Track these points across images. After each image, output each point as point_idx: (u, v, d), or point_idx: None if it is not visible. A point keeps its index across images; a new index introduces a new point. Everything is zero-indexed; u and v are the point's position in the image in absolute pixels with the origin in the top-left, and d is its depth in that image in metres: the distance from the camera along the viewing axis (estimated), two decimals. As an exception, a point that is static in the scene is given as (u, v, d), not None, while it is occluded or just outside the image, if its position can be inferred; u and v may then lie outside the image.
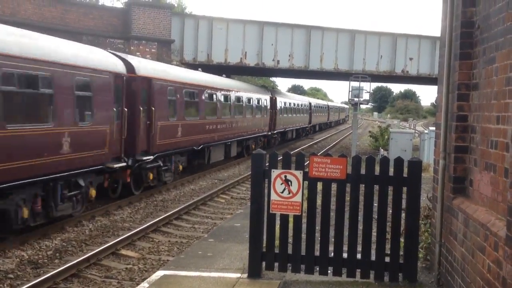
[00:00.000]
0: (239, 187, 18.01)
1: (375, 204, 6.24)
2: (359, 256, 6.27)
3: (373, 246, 6.26)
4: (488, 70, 4.97)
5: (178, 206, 13.79)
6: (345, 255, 6.28)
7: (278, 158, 6.45)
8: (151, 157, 14.62)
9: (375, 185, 6.21)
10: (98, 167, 12.06)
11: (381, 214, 6.20)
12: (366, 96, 25.45)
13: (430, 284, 6.17)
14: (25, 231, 10.17)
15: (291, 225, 6.41)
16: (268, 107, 30.17)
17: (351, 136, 28.54)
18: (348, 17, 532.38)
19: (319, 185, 6.34)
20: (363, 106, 31.71)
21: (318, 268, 6.34)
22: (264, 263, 6.45)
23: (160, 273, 6.88)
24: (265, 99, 29.42)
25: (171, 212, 12.78)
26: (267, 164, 6.38)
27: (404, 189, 6.16)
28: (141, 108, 14.20)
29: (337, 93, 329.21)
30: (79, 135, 11.20)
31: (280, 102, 33.47)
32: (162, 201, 14.89)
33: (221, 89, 21.62)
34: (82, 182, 11.51)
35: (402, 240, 6.34)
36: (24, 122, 9.58)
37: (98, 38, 24.80)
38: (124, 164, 13.16)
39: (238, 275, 6.63)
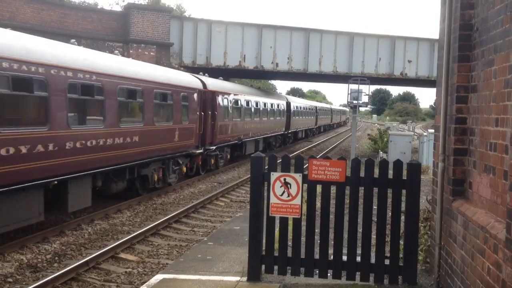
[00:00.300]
0: (238, 190, 17.99)
1: (374, 207, 6.24)
2: (358, 259, 6.26)
3: (373, 249, 6.25)
4: (487, 72, 4.97)
5: (178, 209, 13.77)
6: (344, 258, 6.28)
7: (277, 161, 6.45)
8: (214, 147, 20.55)
9: (374, 188, 6.21)
10: (188, 151, 18.00)
11: (381, 216, 6.20)
12: (365, 98, 25.46)
13: (430, 287, 6.16)
14: (42, 227, 10.15)
15: (290, 228, 6.41)
16: (285, 111, 34.92)
17: (350, 138, 28.53)
18: (346, 20, 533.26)
19: (319, 188, 6.34)
20: (362, 109, 31.67)
21: (317, 271, 6.34)
22: (263, 266, 6.44)
23: (159, 277, 6.87)
24: (282, 104, 34.37)
25: (171, 216, 12.76)
26: (267, 167, 6.38)
27: (404, 191, 6.16)
28: (209, 112, 19.99)
29: (336, 95, 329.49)
30: (182, 130, 17.08)
31: (293, 106, 38.01)
32: (162, 204, 14.88)
33: (254, 97, 27.43)
34: (180, 161, 17.50)
35: (401, 242, 6.33)
36: (162, 122, 15.74)
37: (97, 41, 24.82)
38: (201, 151, 19.02)
39: (238, 278, 6.62)
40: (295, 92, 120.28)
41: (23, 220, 9.70)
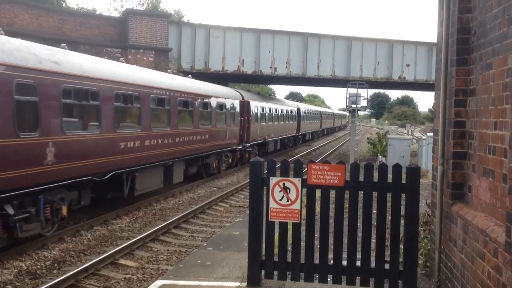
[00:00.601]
0: (237, 195, 17.98)
1: (374, 211, 6.23)
2: (358, 263, 6.25)
3: (373, 253, 6.24)
4: (485, 76, 4.98)
5: (177, 215, 13.76)
6: (344, 262, 6.26)
7: (277, 166, 6.44)
8: (249, 144, 26.50)
9: (373, 192, 6.20)
10: (232, 147, 23.95)
11: (380, 221, 6.19)
12: (363, 102, 25.46)
13: (430, 291, 6.15)
14: (41, 236, 10.13)
15: (290, 232, 6.39)
16: (296, 115, 40.81)
17: (349, 142, 28.52)
18: (344, 24, 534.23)
19: (318, 192, 6.33)
20: (361, 113, 31.67)
21: (317, 276, 6.32)
22: (263, 272, 6.42)
23: (159, 283, 6.85)
24: (294, 110, 40.24)
25: (170, 221, 12.74)
26: (266, 171, 6.37)
27: (403, 195, 6.14)
28: (246, 118, 25.89)
29: (335, 99, 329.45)
30: (230, 131, 23.18)
31: (302, 112, 44.22)
32: (161, 210, 14.86)
33: (274, 104, 33.39)
34: (228, 154, 23.72)
35: (401, 246, 6.32)
36: (219, 125, 21.47)
37: (96, 47, 24.85)
38: (240, 147, 25.18)
39: (237, 283, 6.60)
40: (293, 97, 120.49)
41: (154, 186, 15.58)
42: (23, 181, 9.49)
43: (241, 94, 25.98)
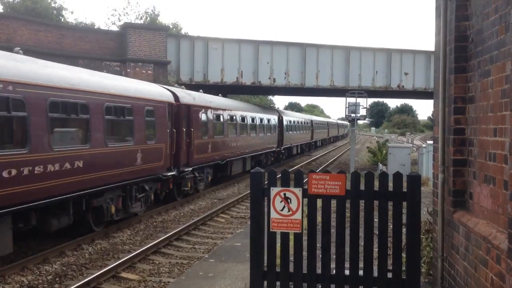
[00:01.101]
0: (238, 206, 17.95)
1: (375, 220, 6.21)
2: (361, 272, 6.22)
3: (375, 262, 6.22)
4: (484, 83, 4.99)
5: (178, 227, 13.72)
6: (347, 272, 6.23)
7: (277, 176, 6.44)
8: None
9: (374, 201, 6.19)
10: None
11: (382, 229, 6.17)
12: (363, 111, 25.55)
13: (433, 299, 6.12)
14: (42, 247, 10.09)
15: (291, 243, 6.38)
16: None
17: (350, 152, 28.52)
18: (342, 34, 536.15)
19: (319, 202, 6.31)
20: (360, 122, 31.66)
21: (320, 286, 6.29)
22: (266, 283, 6.40)
23: (161, 296, 6.82)
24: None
25: (171, 233, 12.71)
26: (266, 182, 6.37)
27: (404, 203, 6.14)
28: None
29: (334, 109, 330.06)
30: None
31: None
32: (162, 222, 14.83)
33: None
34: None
35: (404, 255, 6.30)
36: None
37: (94, 61, 24.93)
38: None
39: (240, 295, 6.58)
40: (293, 107, 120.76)
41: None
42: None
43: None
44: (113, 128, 12.91)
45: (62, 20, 38.33)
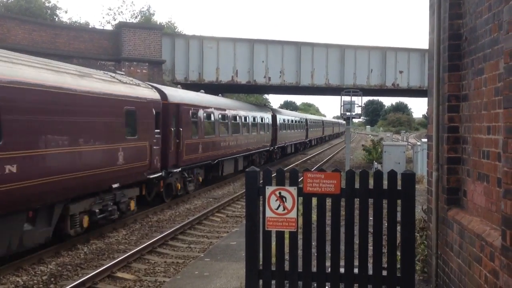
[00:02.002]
0: (234, 205, 17.95)
1: (370, 218, 6.23)
2: (356, 270, 6.24)
3: (370, 260, 6.23)
4: (477, 81, 5.01)
5: (174, 226, 13.71)
6: (342, 270, 6.25)
7: (272, 175, 6.45)
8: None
9: (369, 199, 6.21)
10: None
11: (377, 227, 6.18)
12: (358, 110, 25.56)
13: (428, 297, 6.15)
14: (38, 248, 10.07)
15: (287, 241, 6.38)
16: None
17: (345, 150, 28.56)
18: (337, 32, 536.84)
19: (314, 201, 6.33)
20: (355, 120, 31.68)
21: (315, 284, 6.30)
22: (261, 281, 6.40)
23: (156, 295, 6.82)
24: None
25: (167, 233, 12.70)
26: (261, 181, 6.37)
27: (399, 201, 6.15)
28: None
29: (329, 107, 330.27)
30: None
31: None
32: (157, 222, 14.81)
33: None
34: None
35: (398, 253, 6.32)
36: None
37: (89, 60, 24.88)
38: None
39: (236, 294, 6.58)
40: (288, 105, 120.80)
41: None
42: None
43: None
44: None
45: (56, 19, 38.21)
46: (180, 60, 27.66)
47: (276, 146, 34.33)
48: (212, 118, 21.34)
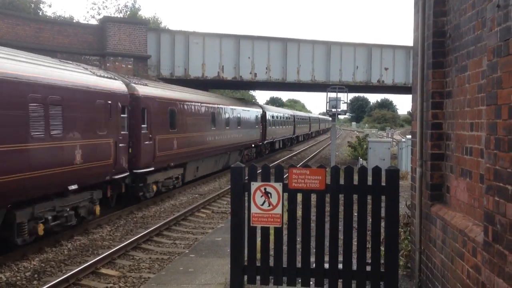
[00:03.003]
0: (219, 201, 17.94)
1: (355, 214, 6.26)
2: (340, 266, 6.27)
3: (354, 256, 6.27)
4: (461, 78, 5.05)
5: (159, 222, 13.67)
6: (326, 265, 6.28)
7: (258, 171, 6.45)
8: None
9: (354, 195, 6.24)
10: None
11: (361, 223, 6.23)
12: (343, 106, 25.67)
13: (411, 292, 6.20)
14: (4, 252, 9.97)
15: (272, 237, 6.40)
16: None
17: (330, 146, 28.67)
18: (323, 29, 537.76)
19: (299, 197, 6.35)
20: (341, 117, 31.81)
21: (300, 280, 6.33)
22: (246, 277, 6.42)
23: (141, 291, 6.80)
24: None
25: (152, 229, 12.65)
26: (247, 177, 6.38)
27: (383, 197, 6.20)
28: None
29: (315, 104, 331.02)
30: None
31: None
32: (142, 218, 14.75)
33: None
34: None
35: (382, 248, 6.37)
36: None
37: (73, 55, 24.64)
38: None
39: (220, 290, 6.58)
40: (274, 102, 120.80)
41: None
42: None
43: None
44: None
45: (40, 13, 37.80)
46: (165, 56, 27.51)
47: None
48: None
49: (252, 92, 74.06)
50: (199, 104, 21.68)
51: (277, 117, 40.53)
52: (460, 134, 5.02)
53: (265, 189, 6.22)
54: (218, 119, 24.06)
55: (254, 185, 6.23)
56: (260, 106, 36.50)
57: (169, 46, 27.55)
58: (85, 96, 12.46)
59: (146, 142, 16.15)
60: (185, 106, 19.87)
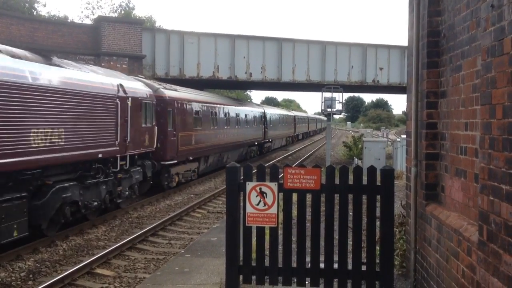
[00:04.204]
0: (215, 201, 17.92)
1: (350, 213, 6.27)
2: (336, 266, 6.28)
3: (350, 255, 6.28)
4: (455, 77, 5.06)
5: (154, 222, 13.64)
6: (322, 265, 6.29)
7: (253, 171, 6.45)
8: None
9: (349, 194, 6.25)
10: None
11: (356, 223, 6.23)
12: (338, 106, 25.68)
13: (407, 291, 6.21)
14: (15, 244, 9.94)
15: (267, 237, 6.40)
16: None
17: (325, 146, 28.69)
18: (318, 29, 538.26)
19: (294, 196, 6.35)
20: (336, 116, 31.83)
21: (295, 280, 6.33)
22: (241, 277, 6.42)
23: (136, 291, 6.79)
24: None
25: (147, 229, 12.63)
26: (242, 177, 6.37)
27: (378, 197, 6.20)
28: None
29: (310, 103, 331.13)
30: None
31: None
32: (138, 218, 14.73)
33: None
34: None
35: (378, 248, 6.38)
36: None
37: (68, 55, 24.55)
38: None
39: (216, 289, 6.58)
40: (269, 102, 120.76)
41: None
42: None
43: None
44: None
45: (35, 13, 37.68)
46: (160, 55, 27.47)
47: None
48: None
49: (248, 92, 74.07)
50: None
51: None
52: (455, 133, 5.03)
53: (260, 189, 6.22)
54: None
55: (249, 185, 6.23)
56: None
57: (164, 46, 27.51)
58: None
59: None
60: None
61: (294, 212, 6.49)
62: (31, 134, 10.13)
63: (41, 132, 10.44)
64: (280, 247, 6.36)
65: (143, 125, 15.97)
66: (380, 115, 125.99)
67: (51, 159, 10.88)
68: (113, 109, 13.78)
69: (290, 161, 32.70)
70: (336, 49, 29.30)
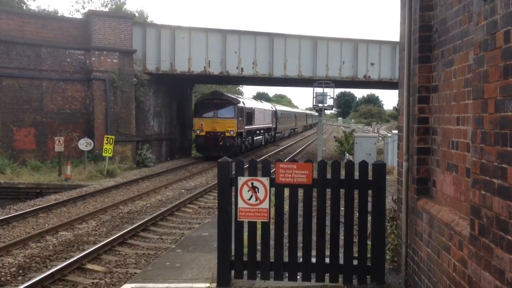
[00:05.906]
0: (206, 196, 17.90)
1: (341, 208, 6.27)
2: (327, 260, 6.28)
3: (341, 250, 6.28)
4: (447, 72, 5.07)
5: (145, 218, 13.61)
6: (313, 260, 6.29)
7: (245, 166, 6.43)
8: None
9: (341, 189, 6.25)
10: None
11: (348, 217, 6.24)
12: (330, 101, 25.70)
13: (398, 286, 6.23)
14: (5, 239, 9.86)
15: (259, 232, 6.39)
16: (294, 115, 64.98)
17: (317, 141, 28.72)
18: (310, 24, 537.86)
19: (286, 191, 6.34)
20: (327, 112, 31.88)
21: (287, 274, 6.33)
22: (233, 272, 6.40)
23: (127, 287, 6.77)
24: (293, 112, 68.47)
25: (138, 224, 12.59)
26: (234, 172, 6.35)
27: (370, 192, 6.21)
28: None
29: (301, 99, 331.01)
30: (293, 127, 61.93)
31: (296, 114, 65.98)
32: (128, 213, 14.68)
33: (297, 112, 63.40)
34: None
35: (369, 242, 6.39)
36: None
37: (58, 49, 24.41)
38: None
39: (207, 284, 6.57)
40: (261, 97, 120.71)
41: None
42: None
43: (295, 108, 57.37)
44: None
45: (24, 7, 37.31)
46: (151, 50, 27.34)
47: (296, 128, 65.51)
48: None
49: (240, 88, 73.96)
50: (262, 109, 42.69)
51: (285, 113, 59.58)
52: (447, 128, 5.04)
53: (252, 183, 6.20)
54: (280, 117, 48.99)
55: (241, 180, 6.21)
56: (271, 105, 52.90)
57: (155, 41, 27.37)
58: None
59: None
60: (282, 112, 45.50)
61: (286, 207, 6.48)
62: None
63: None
64: (272, 242, 6.35)
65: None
66: (371, 111, 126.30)
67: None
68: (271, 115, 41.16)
69: (281, 156, 32.72)
70: (328, 44, 29.30)
